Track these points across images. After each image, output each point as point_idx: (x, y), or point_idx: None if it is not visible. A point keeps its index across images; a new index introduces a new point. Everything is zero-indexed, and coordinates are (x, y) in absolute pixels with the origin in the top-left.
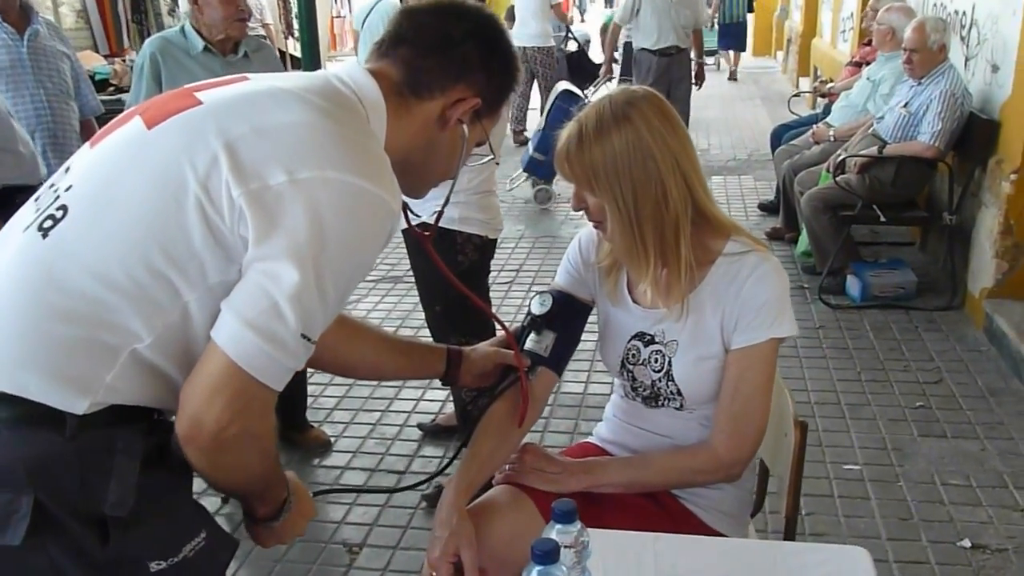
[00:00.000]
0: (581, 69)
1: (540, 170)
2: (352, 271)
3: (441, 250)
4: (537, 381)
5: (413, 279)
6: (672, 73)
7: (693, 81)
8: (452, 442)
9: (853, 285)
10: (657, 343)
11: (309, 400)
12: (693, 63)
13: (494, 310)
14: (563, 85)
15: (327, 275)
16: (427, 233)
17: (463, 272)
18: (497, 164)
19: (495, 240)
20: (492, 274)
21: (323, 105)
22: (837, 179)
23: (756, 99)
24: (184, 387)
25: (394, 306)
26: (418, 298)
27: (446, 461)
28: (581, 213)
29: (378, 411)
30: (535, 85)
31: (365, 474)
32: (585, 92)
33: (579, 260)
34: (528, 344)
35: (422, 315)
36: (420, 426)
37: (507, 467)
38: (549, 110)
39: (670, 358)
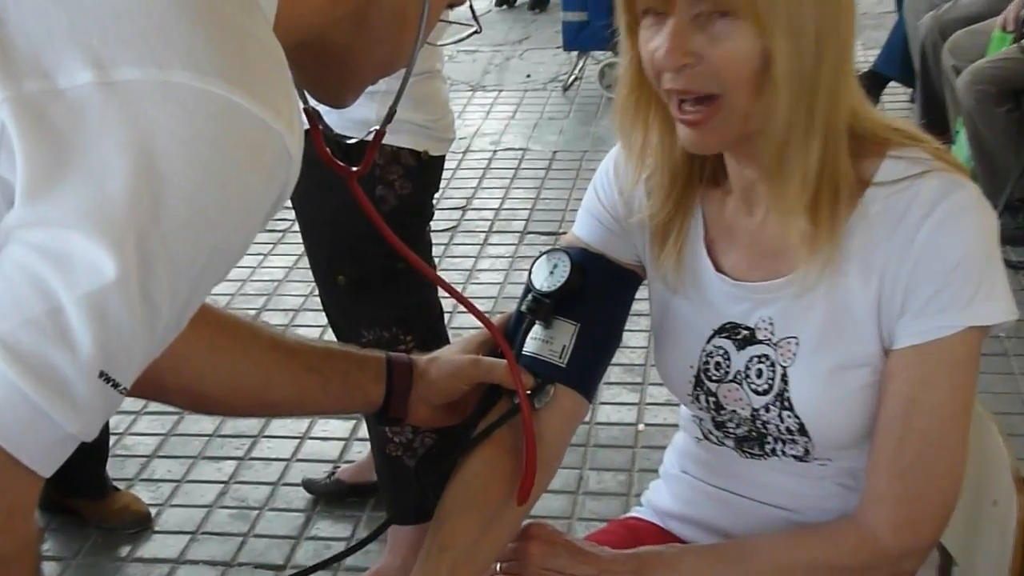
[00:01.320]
0: None
1: (584, 37)
2: (209, 259)
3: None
4: (549, 412)
5: (286, 229)
6: None
7: None
8: (366, 512)
9: None
10: (761, 341)
11: (111, 440)
12: None
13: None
14: None
15: (161, 266)
16: (355, 169)
17: (385, 215)
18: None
19: (441, 158)
20: None
21: None
22: (1021, 43)
23: None
24: None
25: (252, 271)
26: (296, 261)
27: (355, 544)
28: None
29: (233, 459)
30: None
31: (215, 573)
32: None
33: (615, 198)
34: (530, 346)
35: (302, 291)
36: (308, 485)
37: (501, 566)
38: None
39: (785, 368)
